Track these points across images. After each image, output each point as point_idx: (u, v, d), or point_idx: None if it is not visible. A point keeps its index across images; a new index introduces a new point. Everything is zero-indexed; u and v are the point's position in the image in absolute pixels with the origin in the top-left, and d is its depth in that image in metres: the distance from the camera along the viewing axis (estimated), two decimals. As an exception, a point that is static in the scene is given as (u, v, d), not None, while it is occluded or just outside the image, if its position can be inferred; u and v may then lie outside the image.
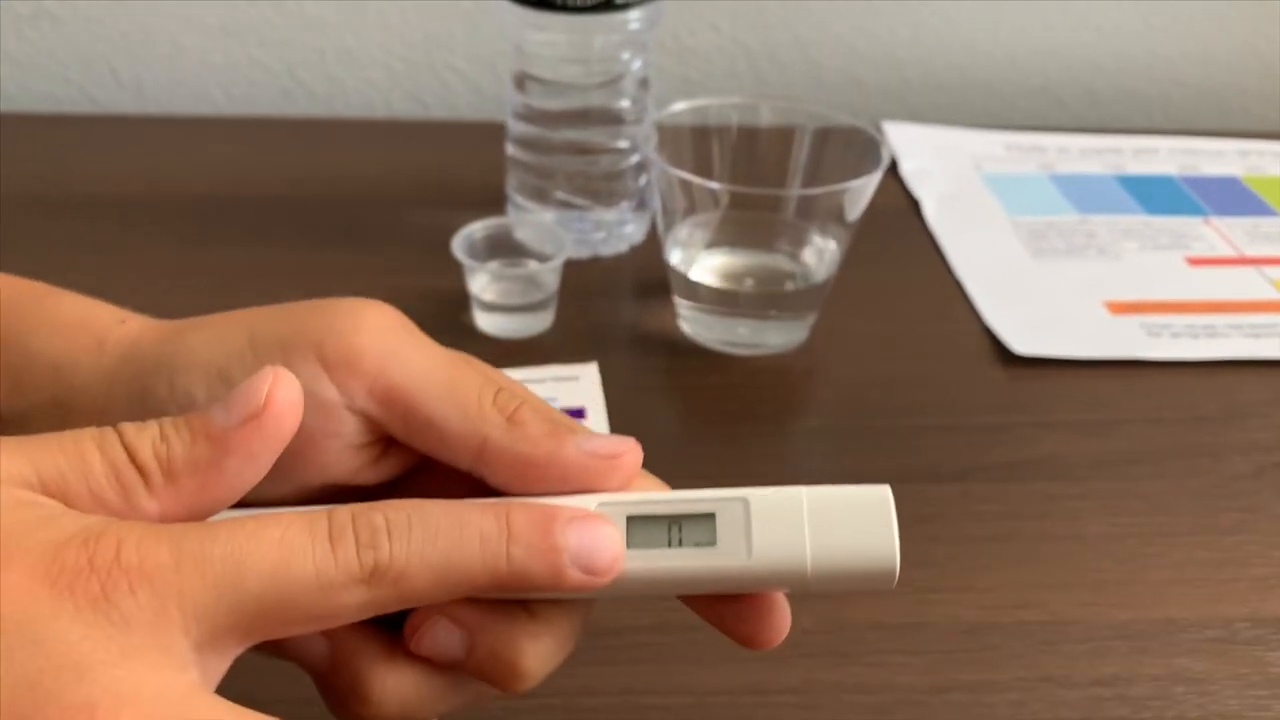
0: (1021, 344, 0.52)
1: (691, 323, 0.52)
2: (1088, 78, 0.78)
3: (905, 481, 0.44)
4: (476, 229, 0.52)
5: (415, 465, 0.29)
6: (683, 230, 0.52)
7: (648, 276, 0.56)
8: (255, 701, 0.22)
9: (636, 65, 0.56)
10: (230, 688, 0.23)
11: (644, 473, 0.28)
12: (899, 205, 0.64)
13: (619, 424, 0.46)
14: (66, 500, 0.23)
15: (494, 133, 0.59)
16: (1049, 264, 0.59)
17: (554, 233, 0.53)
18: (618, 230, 0.58)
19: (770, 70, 0.76)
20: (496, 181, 0.60)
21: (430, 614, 0.26)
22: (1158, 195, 0.67)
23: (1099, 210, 0.65)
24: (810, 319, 0.52)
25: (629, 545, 0.25)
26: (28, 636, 0.21)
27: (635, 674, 0.35)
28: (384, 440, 0.28)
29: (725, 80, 0.76)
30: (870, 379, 0.50)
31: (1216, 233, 0.63)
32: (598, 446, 0.26)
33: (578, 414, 0.46)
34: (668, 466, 0.44)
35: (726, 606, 0.27)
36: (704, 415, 0.48)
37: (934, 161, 0.69)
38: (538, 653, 0.26)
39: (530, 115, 0.56)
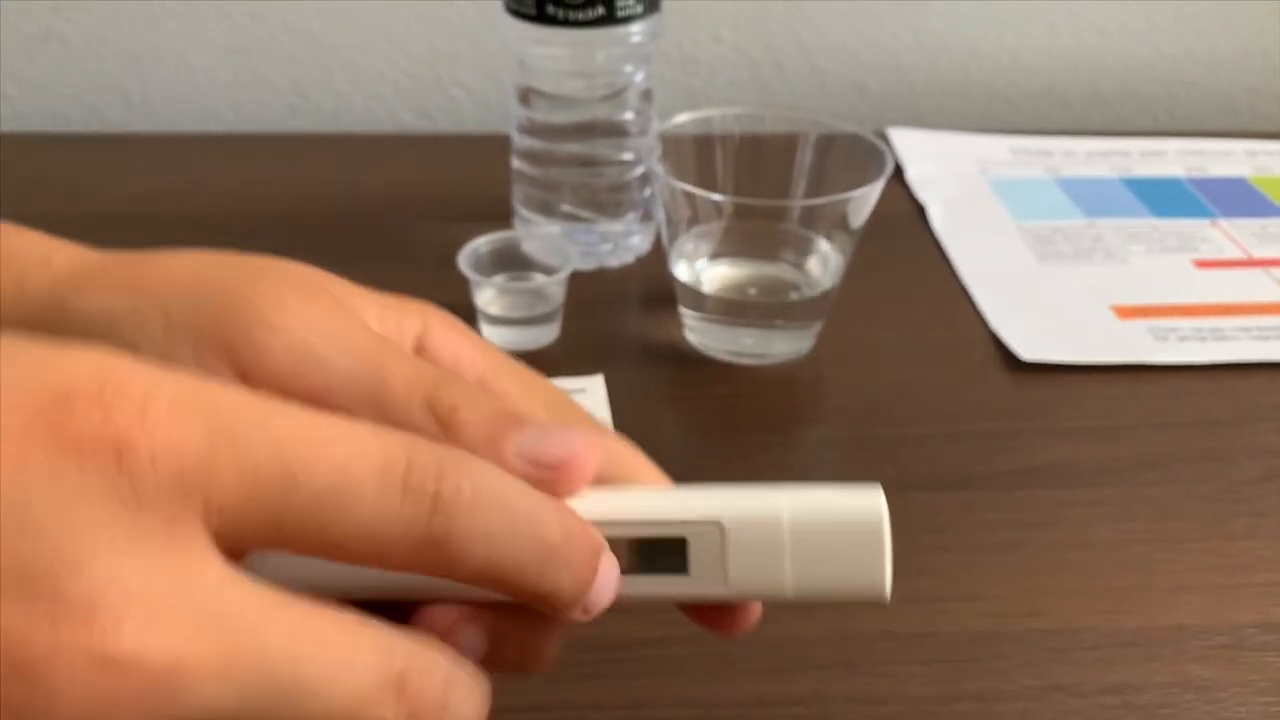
0: (1028, 350, 0.52)
1: (697, 333, 0.53)
2: (1093, 80, 0.78)
3: (912, 490, 0.45)
4: (482, 243, 0.52)
5: None
6: (687, 241, 0.52)
7: (654, 288, 0.57)
8: None
9: (639, 77, 0.56)
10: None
11: (635, 454, 0.27)
12: (905, 211, 0.64)
13: (625, 434, 0.45)
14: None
15: (500, 146, 0.60)
16: (1055, 268, 0.59)
17: (560, 246, 0.53)
18: (624, 242, 0.59)
19: (774, 78, 0.76)
20: (503, 194, 0.60)
21: (455, 615, 0.23)
22: (1165, 197, 0.67)
23: (1106, 213, 0.65)
24: (816, 327, 0.52)
25: None
26: (16, 510, 0.17)
27: (644, 687, 0.36)
28: None
29: (729, 89, 0.77)
30: (876, 387, 0.50)
31: (1224, 234, 0.63)
32: (541, 453, 0.24)
33: (585, 427, 0.46)
34: (674, 478, 0.45)
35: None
36: (710, 425, 0.48)
37: (939, 167, 0.69)
38: (557, 643, 0.25)
39: (534, 129, 0.56)
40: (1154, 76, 0.78)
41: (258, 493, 0.19)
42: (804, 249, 0.53)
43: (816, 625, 0.38)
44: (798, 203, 0.52)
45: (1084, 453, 0.46)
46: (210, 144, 0.73)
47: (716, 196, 0.48)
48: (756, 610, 0.26)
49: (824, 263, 0.52)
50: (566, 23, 0.51)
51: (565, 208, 0.57)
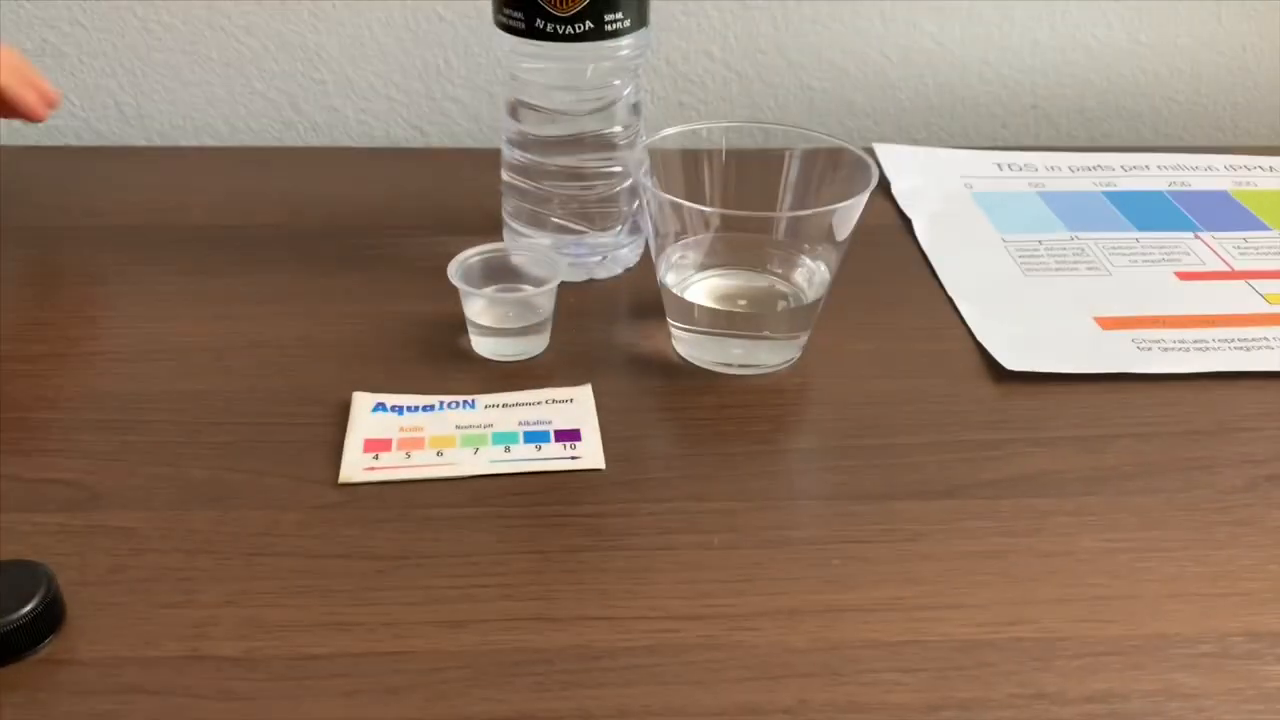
0: (1012, 360, 0.52)
1: (686, 344, 0.53)
2: (1078, 96, 0.79)
3: (897, 499, 0.45)
4: (472, 255, 0.53)
5: None
6: (675, 253, 0.53)
7: (643, 299, 0.57)
8: None
9: (628, 91, 0.57)
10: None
11: None
12: (891, 224, 0.65)
13: (613, 445, 0.46)
14: None
15: (493, 159, 0.60)
16: (1040, 281, 0.60)
17: (549, 258, 0.53)
18: (613, 254, 0.59)
19: (763, 94, 0.77)
20: (495, 207, 0.60)
21: None
22: (1148, 211, 0.67)
23: (1089, 227, 0.65)
24: (803, 338, 0.53)
25: None
26: None
27: (629, 696, 0.36)
28: None
29: (719, 105, 0.77)
30: (863, 397, 0.50)
31: (1206, 247, 0.63)
32: None
33: (572, 435, 0.46)
34: (662, 487, 0.45)
35: None
36: (698, 436, 0.48)
37: (925, 181, 0.70)
38: None
39: (524, 142, 0.57)
40: (1138, 93, 0.79)
41: None
42: (791, 261, 0.53)
43: (801, 633, 0.38)
44: (784, 215, 0.53)
45: (1068, 462, 0.46)
46: (204, 157, 0.73)
47: (704, 209, 0.49)
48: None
49: (810, 275, 0.53)
50: (556, 37, 0.52)
51: (555, 220, 0.58)
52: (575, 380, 0.50)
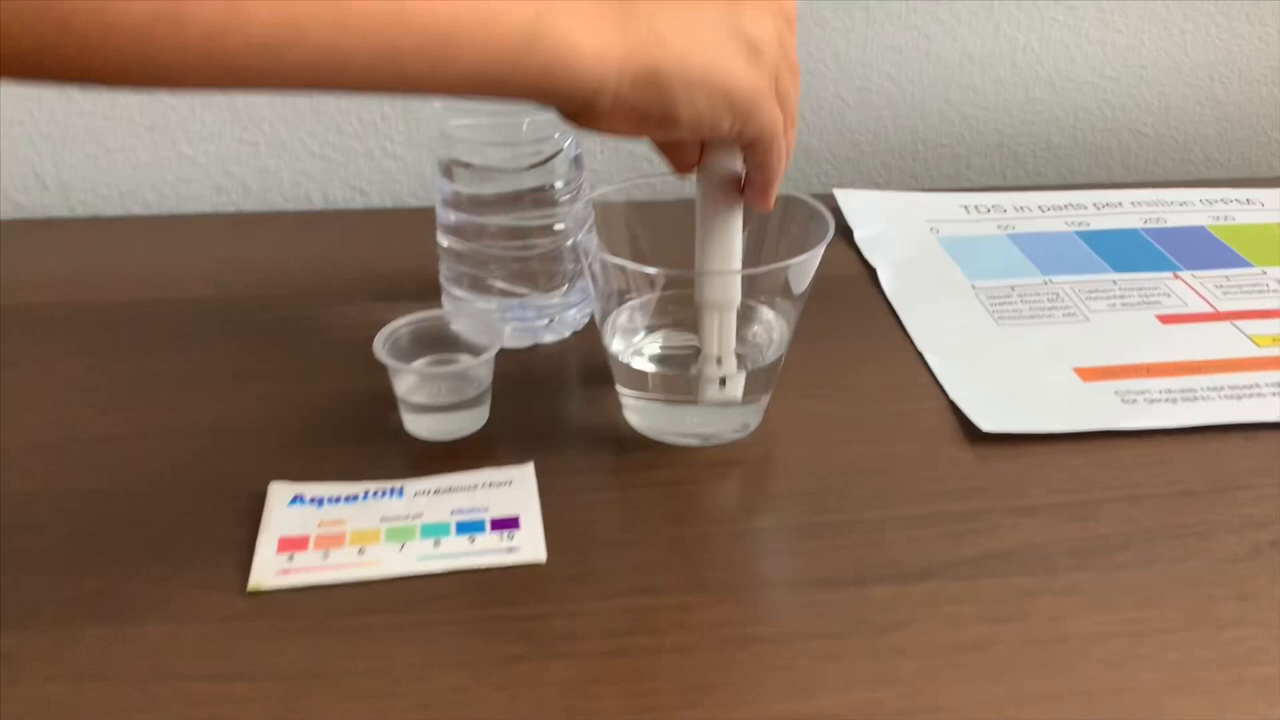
0: (989, 421, 0.48)
1: (637, 413, 0.49)
2: (1044, 132, 0.76)
3: (868, 583, 0.41)
4: (401, 326, 0.49)
5: None
6: (622, 315, 0.49)
7: (592, 364, 0.53)
8: None
9: (569, 144, 0.53)
10: None
11: None
12: (854, 274, 0.62)
13: (557, 532, 0.42)
14: None
15: (435, 218, 0.56)
16: (1014, 330, 0.57)
17: (488, 324, 0.49)
18: (560, 316, 0.55)
19: (718, 141, 0.74)
20: (436, 270, 0.56)
21: None
22: (1123, 251, 0.64)
23: (1063, 270, 0.62)
24: (763, 402, 0.49)
25: None
26: None
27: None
28: None
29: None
30: (828, 466, 0.46)
31: (1187, 287, 0.60)
32: None
33: (510, 523, 0.42)
34: (609, 580, 0.41)
35: None
36: (649, 517, 0.44)
37: (889, 227, 0.67)
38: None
39: (459, 202, 0.53)
40: (1106, 127, 0.76)
41: None
42: (747, 317, 0.49)
43: (767, 746, 0.34)
44: (734, 272, 0.49)
45: (1054, 533, 0.42)
46: (130, 227, 0.69)
47: (649, 270, 0.45)
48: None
49: (769, 331, 0.49)
50: (485, 90, 0.48)
51: (496, 283, 0.54)
52: (517, 457, 0.46)
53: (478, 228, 0.53)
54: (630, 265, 0.45)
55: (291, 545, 0.40)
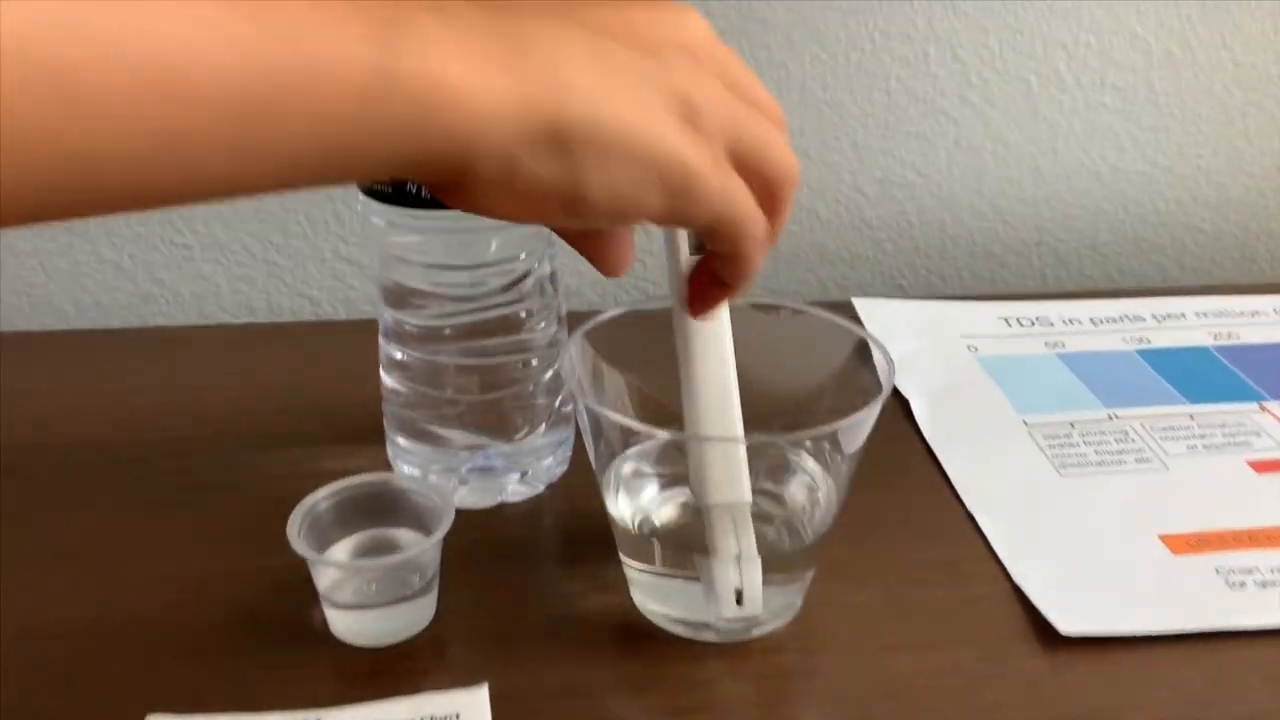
0: (1068, 619, 0.38)
1: (644, 591, 0.39)
2: (1089, 229, 0.67)
3: None
4: (323, 499, 0.39)
5: None
6: (624, 465, 0.40)
7: (577, 527, 0.44)
8: None
9: (540, 261, 0.44)
10: None
11: None
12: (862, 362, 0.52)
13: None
14: None
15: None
16: (1079, 482, 0.47)
17: (438, 490, 0.40)
18: (532, 467, 0.46)
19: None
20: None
21: None
22: (1195, 374, 0.55)
23: (1129, 400, 0.53)
24: (805, 580, 0.39)
25: None
26: None
27: None
28: None
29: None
30: (872, 684, 0.36)
31: (1278, 422, 0.51)
32: None
33: (455, 784, 0.32)
34: None
35: None
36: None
37: (919, 344, 0.57)
38: None
39: (406, 336, 0.44)
40: (1158, 222, 0.68)
41: None
42: (783, 468, 0.40)
43: None
44: (759, 439, 0.39)
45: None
46: (37, 346, 0.60)
47: (660, 433, 0.36)
48: None
49: (809, 488, 0.40)
50: (435, 203, 0.39)
51: (451, 433, 0.44)
52: (469, 671, 0.36)
53: (429, 366, 0.43)
54: (631, 423, 0.36)
55: (158, 822, 0.30)
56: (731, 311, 0.37)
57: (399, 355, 0.44)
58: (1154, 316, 0.60)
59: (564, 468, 0.47)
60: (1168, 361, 0.56)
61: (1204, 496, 0.46)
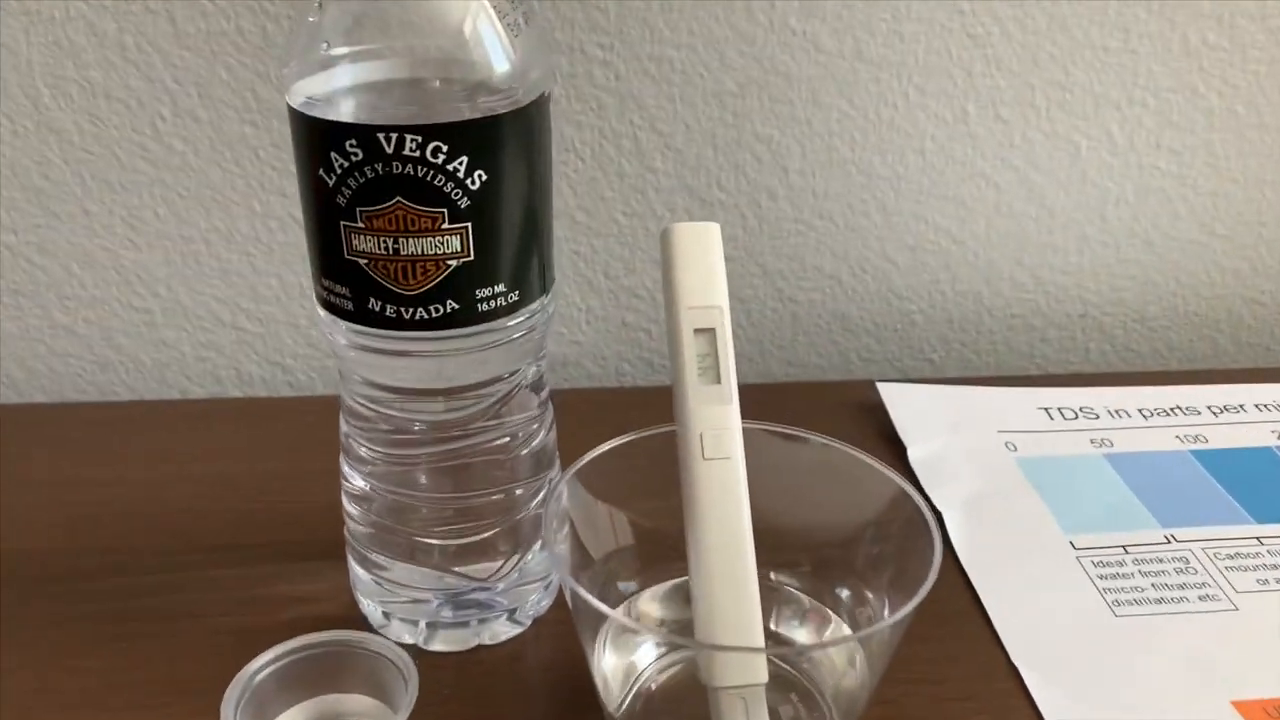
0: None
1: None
2: (1137, 301, 0.61)
3: None
4: (263, 667, 0.33)
5: None
6: (639, 604, 0.35)
7: (570, 675, 0.38)
8: None
9: (526, 371, 0.38)
10: None
11: None
12: (909, 512, 0.46)
13: None
14: None
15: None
16: (1137, 623, 0.41)
17: (399, 658, 0.34)
18: (519, 600, 0.40)
19: (732, 309, 0.59)
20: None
21: None
22: (1259, 483, 0.49)
23: (1187, 517, 0.47)
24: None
25: None
26: None
27: None
28: None
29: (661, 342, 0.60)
30: None
31: (1360, 551, 0.45)
32: None
33: None
34: None
35: None
36: None
37: (951, 440, 0.52)
38: None
39: (369, 459, 0.38)
40: (1213, 295, 0.62)
41: None
42: (813, 615, 0.35)
43: None
44: (761, 650, 0.34)
45: None
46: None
47: (655, 641, 0.30)
48: None
49: (842, 662, 0.35)
50: (402, 323, 0.34)
51: (418, 567, 0.39)
52: None
53: (389, 495, 0.38)
54: (623, 620, 0.31)
55: None
56: (749, 440, 0.32)
57: (359, 484, 0.38)
58: (1210, 409, 0.55)
59: (553, 598, 0.42)
60: (1227, 466, 0.50)
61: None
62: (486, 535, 0.39)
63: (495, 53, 0.32)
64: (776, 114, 0.55)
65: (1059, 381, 0.57)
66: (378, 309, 0.33)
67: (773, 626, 0.37)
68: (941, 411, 0.54)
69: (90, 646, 0.39)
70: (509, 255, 0.34)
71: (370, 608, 0.40)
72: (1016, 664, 0.39)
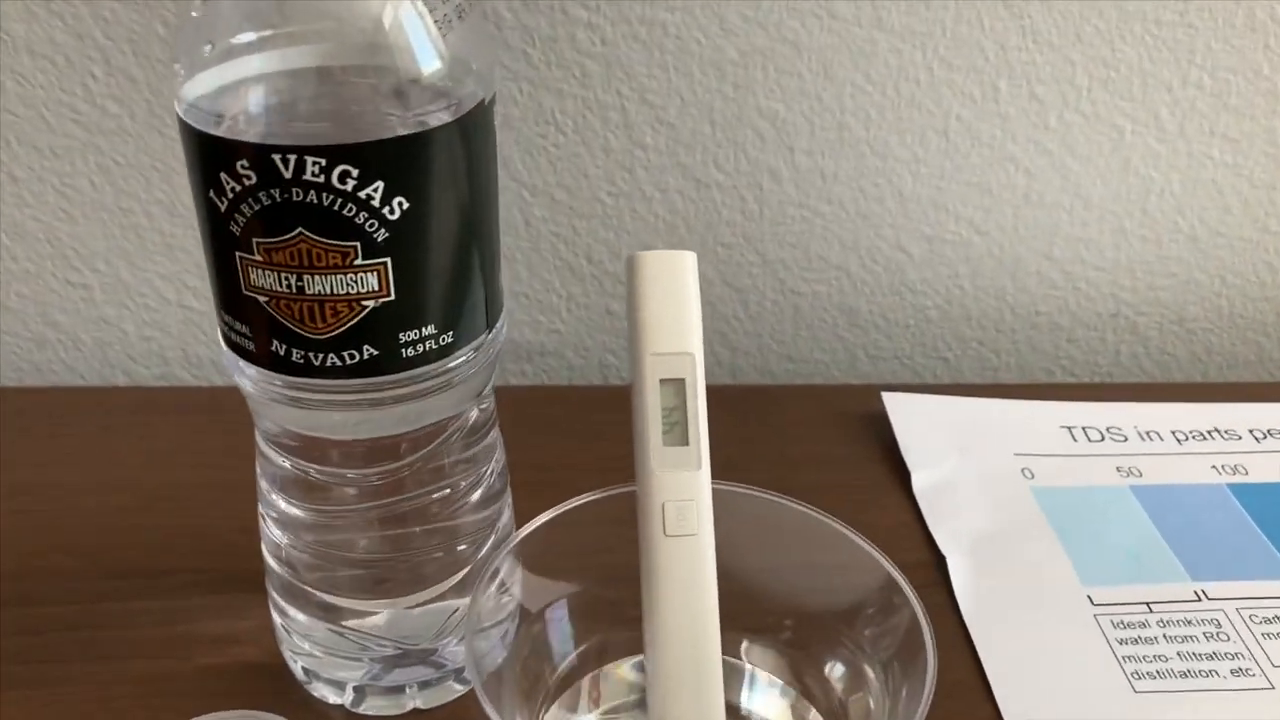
0: None
1: None
2: (1176, 301, 0.56)
3: None
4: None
5: None
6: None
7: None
8: None
9: (468, 416, 0.33)
10: None
11: None
12: (915, 557, 0.42)
13: None
14: None
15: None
16: (1158, 703, 0.36)
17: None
18: (456, 660, 0.36)
19: (728, 300, 0.54)
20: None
21: None
22: (1305, 528, 0.44)
23: (1219, 568, 0.42)
24: None
25: None
26: None
27: None
28: None
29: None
30: None
31: None
32: None
33: None
34: None
35: None
36: None
37: (962, 465, 0.46)
38: None
39: (286, 514, 0.33)
40: (1261, 296, 0.56)
41: None
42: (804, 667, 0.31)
43: None
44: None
45: None
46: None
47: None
48: None
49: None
50: (313, 370, 0.29)
51: (346, 631, 0.34)
52: None
53: (319, 549, 0.33)
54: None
55: None
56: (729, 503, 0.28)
57: (277, 535, 0.34)
58: (1253, 434, 0.49)
59: (510, 650, 0.37)
60: (1269, 505, 0.45)
61: (1322, 743, 0.35)
62: (424, 573, 0.34)
63: (422, 50, 0.27)
64: (783, 87, 0.49)
65: (1084, 394, 0.51)
66: (282, 352, 0.28)
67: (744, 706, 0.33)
68: (952, 427, 0.49)
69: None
70: (439, 292, 0.28)
71: (291, 661, 0.36)
72: (1018, 751, 0.35)
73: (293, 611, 0.35)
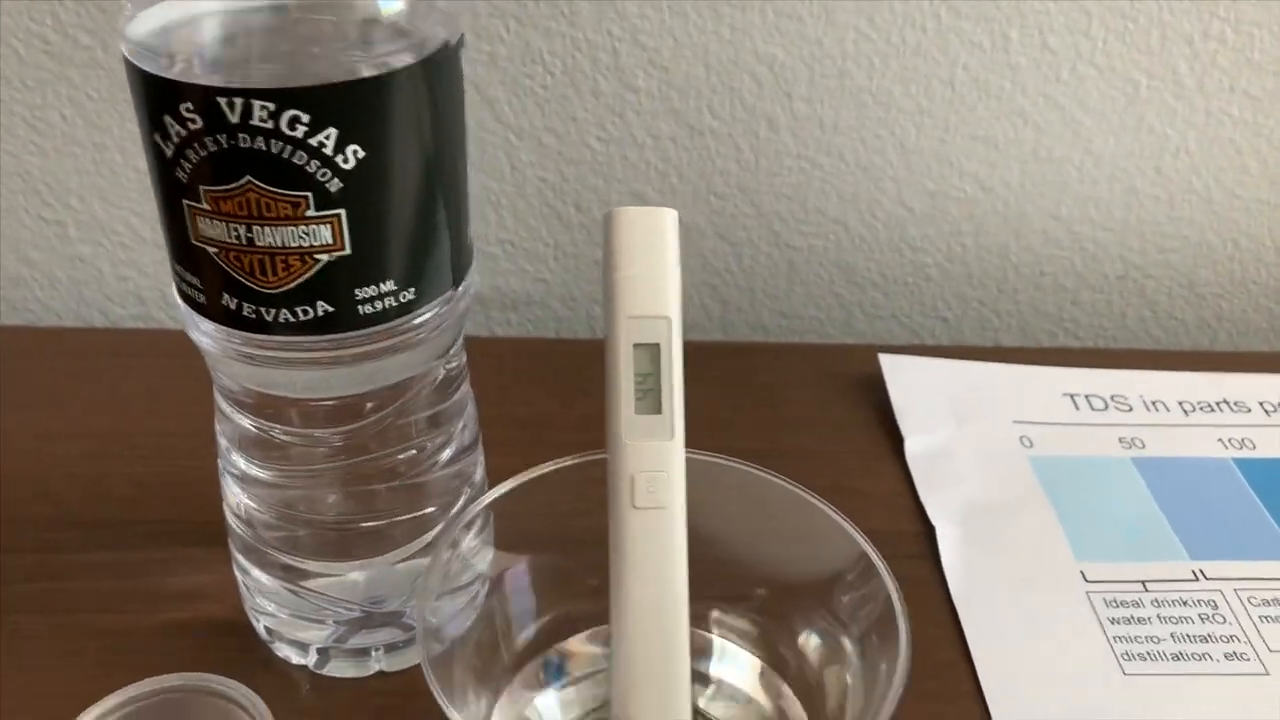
0: None
1: None
2: (1186, 264, 0.54)
3: None
4: (113, 712, 0.28)
5: None
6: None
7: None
8: None
9: (435, 373, 0.32)
10: None
11: None
12: (906, 527, 0.40)
13: None
14: None
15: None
16: (1148, 686, 0.35)
17: (254, 706, 0.29)
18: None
19: (721, 252, 0.52)
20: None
21: None
22: (1310, 506, 0.43)
23: (1220, 547, 0.40)
24: None
25: None
26: None
27: None
28: None
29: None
30: None
31: None
32: None
33: None
34: None
35: None
36: None
37: (959, 434, 0.45)
38: None
39: (245, 473, 0.32)
40: (1274, 261, 0.54)
41: None
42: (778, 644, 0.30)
43: None
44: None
45: None
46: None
47: None
48: None
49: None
50: (266, 326, 0.27)
51: (309, 593, 0.33)
52: None
53: (281, 509, 0.32)
54: None
55: None
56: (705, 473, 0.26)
57: (237, 494, 0.32)
58: (1262, 406, 0.47)
59: (471, 618, 0.36)
60: (1276, 482, 0.44)
61: (1316, 731, 0.34)
62: (397, 557, 0.33)
63: (383, -13, 0.25)
64: (782, 30, 0.47)
65: (1088, 359, 0.50)
66: (234, 307, 0.27)
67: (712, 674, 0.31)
68: (950, 393, 0.47)
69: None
70: (399, 247, 0.27)
71: (254, 620, 0.35)
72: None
73: (255, 571, 0.34)
